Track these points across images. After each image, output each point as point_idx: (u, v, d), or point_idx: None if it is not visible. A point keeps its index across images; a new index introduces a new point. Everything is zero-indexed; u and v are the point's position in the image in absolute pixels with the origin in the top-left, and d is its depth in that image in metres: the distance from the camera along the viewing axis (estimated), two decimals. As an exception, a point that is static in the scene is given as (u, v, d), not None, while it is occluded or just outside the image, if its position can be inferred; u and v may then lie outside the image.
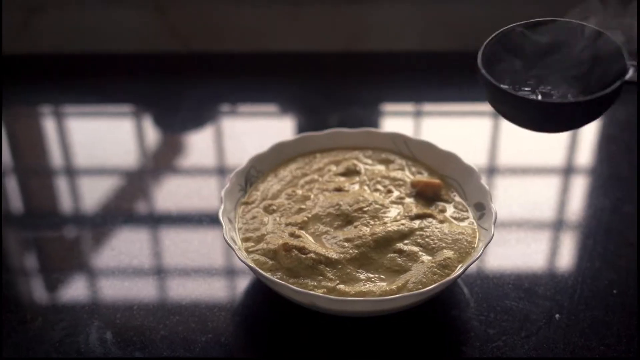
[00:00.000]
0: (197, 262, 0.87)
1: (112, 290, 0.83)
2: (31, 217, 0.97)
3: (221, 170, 1.06)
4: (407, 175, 0.88)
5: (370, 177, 0.87)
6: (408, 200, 0.84)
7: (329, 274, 0.74)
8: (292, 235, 0.79)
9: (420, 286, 0.73)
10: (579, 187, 1.01)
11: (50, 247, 0.92)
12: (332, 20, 1.28)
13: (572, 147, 1.11)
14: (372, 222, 0.80)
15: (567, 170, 1.05)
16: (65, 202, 0.99)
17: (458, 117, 1.22)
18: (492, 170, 1.05)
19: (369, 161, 0.91)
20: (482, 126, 1.16)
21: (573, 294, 0.82)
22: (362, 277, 0.75)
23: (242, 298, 0.82)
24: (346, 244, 0.77)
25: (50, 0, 1.26)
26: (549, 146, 1.08)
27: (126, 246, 0.90)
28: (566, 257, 0.88)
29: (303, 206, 0.83)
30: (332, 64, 1.27)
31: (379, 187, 0.86)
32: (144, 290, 0.83)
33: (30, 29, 1.28)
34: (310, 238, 0.79)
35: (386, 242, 0.78)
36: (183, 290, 0.83)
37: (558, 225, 0.94)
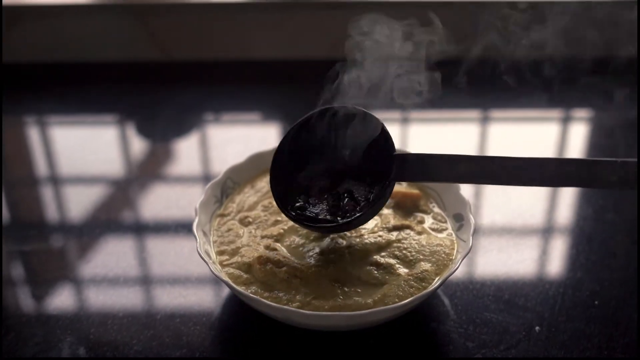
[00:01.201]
0: (173, 274, 0.85)
1: (88, 303, 0.81)
2: (12, 228, 0.96)
3: (202, 179, 1.04)
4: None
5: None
6: (386, 211, 0.82)
7: (303, 288, 0.73)
8: (267, 248, 0.77)
9: (397, 300, 0.71)
10: (562, 195, 0.99)
11: (26, 259, 0.90)
12: (316, 27, 1.26)
13: (559, 154, 1.09)
14: (348, 234, 0.78)
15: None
16: (48, 212, 0.98)
17: (442, 124, 1.20)
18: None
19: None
20: (466, 133, 1.14)
21: (554, 305, 0.80)
22: (337, 290, 0.73)
23: (218, 312, 0.80)
24: (322, 257, 0.76)
25: (29, 9, 1.24)
26: (536, 152, 1.07)
27: (103, 258, 0.88)
28: (548, 267, 0.87)
29: (279, 218, 0.81)
30: (316, 71, 1.25)
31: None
32: (118, 303, 0.81)
33: (10, 39, 1.26)
34: (285, 251, 0.77)
35: (363, 254, 0.76)
36: (158, 303, 0.81)
37: (541, 234, 0.92)
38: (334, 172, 0.75)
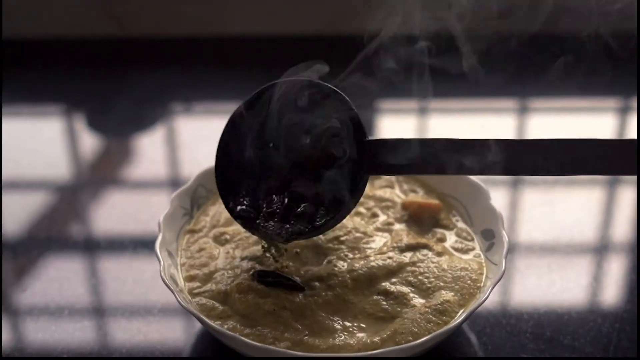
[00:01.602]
0: (131, 305, 0.85)
1: (24, 341, 0.82)
2: None
3: (167, 186, 1.04)
4: (397, 195, 0.87)
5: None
6: (398, 226, 0.83)
7: (294, 323, 0.73)
8: (248, 272, 0.77)
9: (411, 338, 0.71)
10: (619, 207, 0.99)
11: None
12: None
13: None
14: (351, 255, 0.79)
15: (609, 182, 1.04)
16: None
17: (468, 115, 1.20)
18: (509, 184, 1.03)
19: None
20: (499, 126, 1.14)
21: (608, 345, 0.80)
22: (337, 326, 0.73)
23: (188, 352, 0.80)
24: (317, 284, 0.76)
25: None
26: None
27: (42, 285, 0.88)
28: (601, 296, 0.87)
29: (264, 235, 0.82)
30: (308, 49, 1.26)
31: (361, 209, 0.85)
32: (62, 341, 0.81)
33: None
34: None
35: (368, 281, 0.76)
36: (113, 341, 0.82)
37: (592, 255, 0.93)
38: (289, 164, 0.75)
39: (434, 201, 0.85)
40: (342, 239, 0.80)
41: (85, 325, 0.83)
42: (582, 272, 0.90)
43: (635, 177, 1.04)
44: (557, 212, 0.98)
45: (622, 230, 0.96)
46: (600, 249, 0.93)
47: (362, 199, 0.85)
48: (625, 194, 1.03)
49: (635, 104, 1.21)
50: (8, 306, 0.86)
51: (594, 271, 0.90)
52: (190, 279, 0.78)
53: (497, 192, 0.99)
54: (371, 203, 0.86)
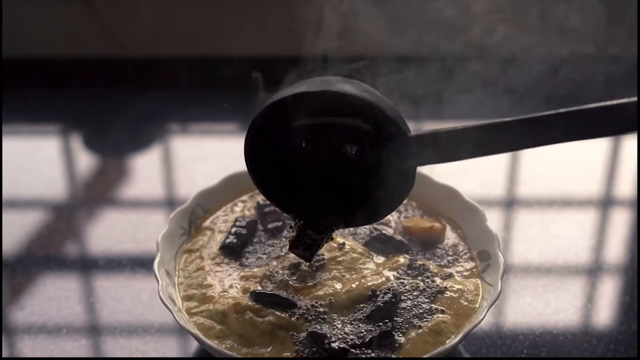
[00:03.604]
0: (129, 325, 0.85)
1: (28, 356, 0.82)
2: None
3: (165, 206, 1.05)
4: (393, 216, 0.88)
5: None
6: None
7: (292, 343, 0.73)
8: (247, 292, 0.77)
9: (407, 358, 0.71)
10: (613, 228, 1.00)
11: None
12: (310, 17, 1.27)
13: (611, 174, 1.10)
14: (347, 276, 0.79)
15: (603, 204, 1.05)
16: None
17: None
18: (505, 204, 1.04)
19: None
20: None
21: (603, 366, 0.81)
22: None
23: (185, 371, 0.81)
24: (314, 303, 0.76)
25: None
26: (582, 173, 1.08)
27: (40, 303, 0.88)
28: (595, 318, 0.87)
29: (262, 255, 0.82)
30: (306, 69, 1.26)
31: (360, 230, 0.86)
32: (69, 356, 0.82)
33: None
34: (270, 296, 0.78)
35: (365, 300, 0.76)
36: (118, 355, 0.82)
37: (586, 276, 0.93)
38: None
39: (437, 224, 0.85)
40: (339, 259, 0.81)
41: (83, 344, 0.83)
42: (577, 293, 0.90)
43: (630, 198, 1.05)
44: (551, 233, 0.99)
45: (616, 251, 0.96)
46: (595, 270, 0.94)
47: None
48: (620, 216, 1.03)
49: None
50: (6, 324, 0.86)
51: (588, 292, 0.91)
52: (187, 298, 0.78)
53: (493, 214, 1.00)
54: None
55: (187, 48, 1.30)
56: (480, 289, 0.79)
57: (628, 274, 0.93)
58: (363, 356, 0.71)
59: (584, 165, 1.12)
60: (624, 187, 1.07)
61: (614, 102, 0.66)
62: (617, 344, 0.83)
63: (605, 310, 0.88)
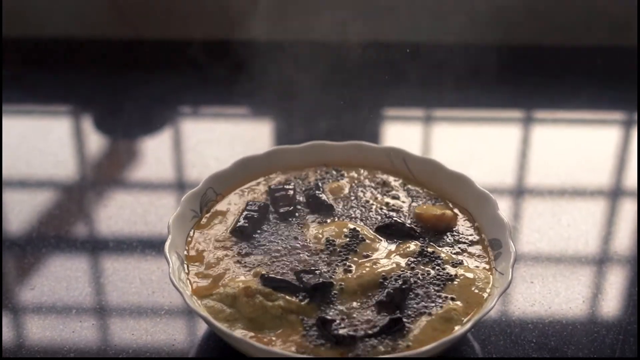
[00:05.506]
0: (139, 306, 0.86)
1: (31, 340, 0.82)
2: None
3: (175, 188, 1.05)
4: (403, 200, 0.88)
5: (360, 203, 0.87)
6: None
7: (302, 328, 0.73)
8: (257, 275, 0.77)
9: (417, 345, 0.71)
10: (623, 219, 1.00)
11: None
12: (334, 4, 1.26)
13: (622, 164, 1.10)
14: (359, 261, 0.79)
15: (614, 194, 1.04)
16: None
17: (474, 125, 1.21)
18: (516, 193, 1.04)
19: (359, 182, 0.90)
20: (506, 136, 1.15)
21: (612, 356, 0.80)
22: (343, 331, 0.73)
23: (194, 353, 0.81)
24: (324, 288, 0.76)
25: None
26: (592, 163, 1.08)
27: (50, 283, 0.88)
28: (605, 307, 0.87)
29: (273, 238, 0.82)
30: (321, 56, 1.26)
31: (371, 214, 0.86)
32: (69, 341, 0.82)
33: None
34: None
35: (376, 287, 0.76)
36: (119, 341, 0.82)
37: (597, 265, 0.93)
38: None
39: (449, 212, 0.85)
40: (351, 245, 0.81)
41: (92, 325, 0.84)
42: (587, 283, 0.90)
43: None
44: (562, 223, 0.98)
45: (626, 242, 0.96)
46: (605, 261, 0.94)
47: (372, 205, 0.86)
48: (631, 207, 1.03)
49: (636, 117, 1.21)
50: (16, 304, 0.86)
51: (598, 282, 0.90)
52: (197, 281, 0.78)
53: (504, 202, 1.00)
54: (385, 209, 0.86)
55: (200, 30, 1.30)
56: (491, 277, 0.79)
57: (638, 264, 0.93)
58: (371, 342, 0.71)
59: (595, 156, 1.12)
60: (635, 178, 1.07)
61: None
62: (626, 334, 0.83)
63: (614, 300, 0.88)
